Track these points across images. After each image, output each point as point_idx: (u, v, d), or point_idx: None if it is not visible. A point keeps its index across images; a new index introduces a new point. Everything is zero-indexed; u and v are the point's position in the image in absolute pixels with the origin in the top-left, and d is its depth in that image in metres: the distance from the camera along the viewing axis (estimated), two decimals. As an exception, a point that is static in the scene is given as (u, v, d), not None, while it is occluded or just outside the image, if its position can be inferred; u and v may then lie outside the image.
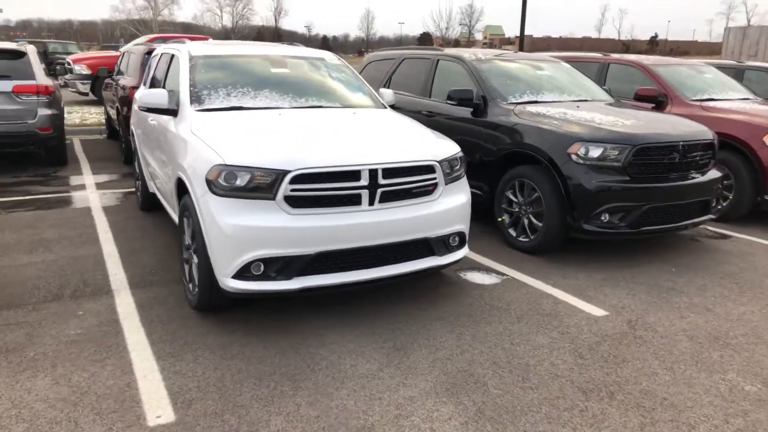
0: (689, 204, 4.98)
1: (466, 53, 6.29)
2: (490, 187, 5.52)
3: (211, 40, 9.98)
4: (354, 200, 3.50)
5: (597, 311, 3.95)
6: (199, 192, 3.49)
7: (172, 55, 5.17)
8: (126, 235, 5.39)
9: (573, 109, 5.30)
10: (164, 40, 12.51)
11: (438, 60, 6.55)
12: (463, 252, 4.08)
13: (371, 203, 3.53)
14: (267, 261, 3.35)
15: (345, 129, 4.00)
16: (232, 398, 2.86)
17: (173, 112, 4.34)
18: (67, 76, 16.31)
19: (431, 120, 6.20)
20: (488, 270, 4.68)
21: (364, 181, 3.48)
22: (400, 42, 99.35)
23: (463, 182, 4.12)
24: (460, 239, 4.03)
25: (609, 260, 4.95)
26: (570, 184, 4.70)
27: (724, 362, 3.30)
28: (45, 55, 24.95)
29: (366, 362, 3.22)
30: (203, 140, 3.68)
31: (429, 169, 3.75)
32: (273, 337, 3.48)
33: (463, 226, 4.01)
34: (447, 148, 4.00)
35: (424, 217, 3.72)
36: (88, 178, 7.88)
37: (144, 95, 4.42)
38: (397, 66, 7.27)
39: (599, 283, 4.46)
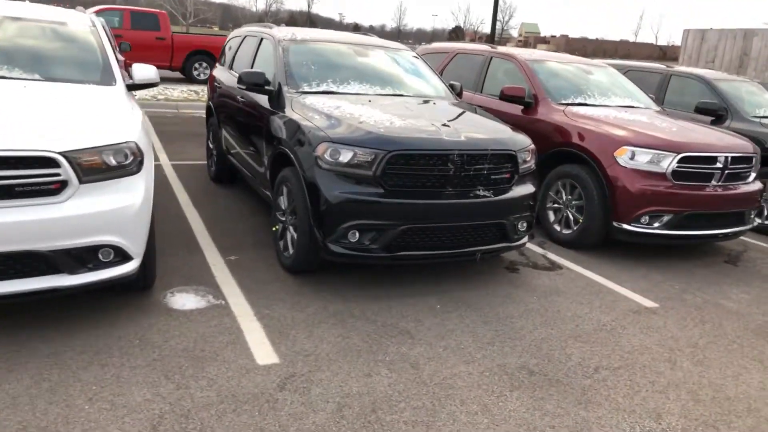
0: (473, 227, 4.08)
1: (281, 33, 5.42)
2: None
3: None
4: None
5: (269, 358, 3.11)
6: None
7: None
8: None
9: (357, 104, 4.41)
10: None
11: (261, 39, 5.69)
12: (125, 268, 3.23)
13: (-57, 202, 2.73)
14: None
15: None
16: None
17: None
18: None
19: (245, 109, 5.34)
20: (209, 293, 3.84)
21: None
22: (433, 37, 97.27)
23: (132, 181, 3.25)
24: (117, 253, 3.20)
25: (374, 286, 4.09)
26: (314, 194, 3.85)
27: (337, 451, 2.45)
28: None
29: None
30: None
31: (47, 161, 2.92)
32: None
33: (118, 238, 3.16)
34: (99, 135, 3.14)
35: (34, 224, 2.90)
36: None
37: None
38: (239, 44, 6.44)
39: (324, 317, 3.61)
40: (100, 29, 4.57)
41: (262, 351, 3.17)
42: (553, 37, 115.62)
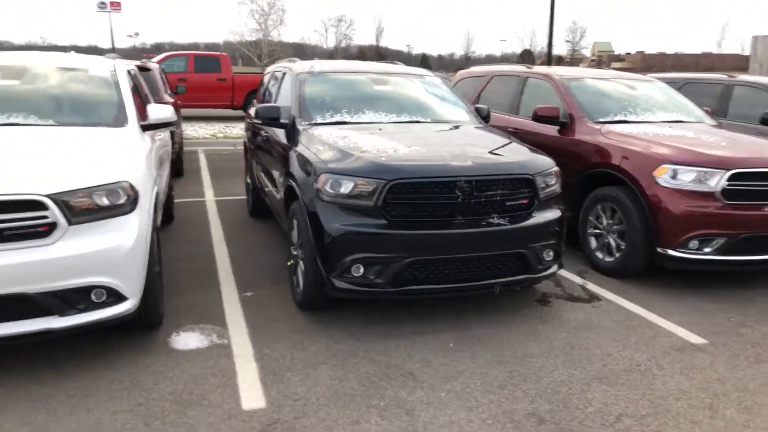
0: (489, 257, 3.80)
1: (300, 66, 5.41)
2: (293, 224, 4.59)
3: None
4: None
5: (256, 402, 2.96)
6: None
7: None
8: None
9: (365, 134, 4.27)
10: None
11: (284, 74, 5.71)
12: (119, 309, 3.21)
13: (-67, 247, 2.79)
14: None
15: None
16: None
17: None
18: None
19: (267, 143, 5.34)
20: (215, 331, 3.76)
21: None
22: (504, 59, 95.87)
23: (126, 220, 3.23)
24: (110, 293, 3.18)
25: (387, 322, 3.88)
26: (317, 227, 3.72)
27: None
28: None
29: None
30: None
31: (34, 204, 2.95)
32: None
33: (110, 278, 3.14)
34: (91, 176, 3.15)
35: (22, 267, 2.92)
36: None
37: None
38: (268, 81, 6.51)
39: (325, 357, 3.44)
40: (121, 74, 4.68)
41: (251, 395, 3.03)
42: (628, 54, 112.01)
